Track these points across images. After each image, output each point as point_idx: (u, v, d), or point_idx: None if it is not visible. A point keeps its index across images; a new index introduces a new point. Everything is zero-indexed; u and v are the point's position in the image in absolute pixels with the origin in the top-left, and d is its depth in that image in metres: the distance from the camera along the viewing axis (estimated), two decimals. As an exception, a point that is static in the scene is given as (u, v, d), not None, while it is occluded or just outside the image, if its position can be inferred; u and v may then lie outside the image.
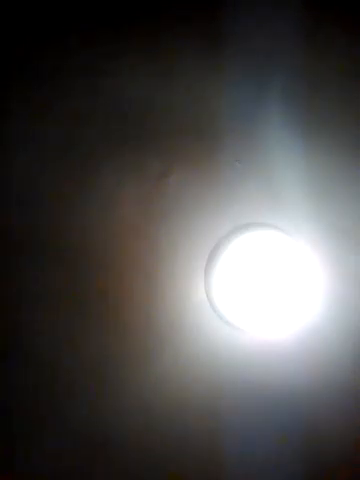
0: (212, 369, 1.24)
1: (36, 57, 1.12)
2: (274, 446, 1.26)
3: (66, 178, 1.16)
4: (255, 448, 1.26)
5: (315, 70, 1.17)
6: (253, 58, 1.16)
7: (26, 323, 1.18)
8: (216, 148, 1.18)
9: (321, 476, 1.28)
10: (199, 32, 1.13)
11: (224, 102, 1.17)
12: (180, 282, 1.21)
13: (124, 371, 1.21)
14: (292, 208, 1.22)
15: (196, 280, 1.22)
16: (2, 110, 1.13)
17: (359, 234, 1.22)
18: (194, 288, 1.22)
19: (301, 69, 1.16)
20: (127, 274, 1.19)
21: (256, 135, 1.18)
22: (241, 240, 1.20)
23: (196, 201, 1.19)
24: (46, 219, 1.17)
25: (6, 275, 1.17)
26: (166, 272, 1.20)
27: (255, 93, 1.17)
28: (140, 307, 1.20)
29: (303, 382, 1.26)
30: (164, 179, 1.18)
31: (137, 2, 1.12)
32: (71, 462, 1.22)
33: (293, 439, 1.27)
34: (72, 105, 1.14)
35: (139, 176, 1.17)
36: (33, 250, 1.17)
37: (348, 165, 1.20)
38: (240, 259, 1.19)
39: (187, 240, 1.20)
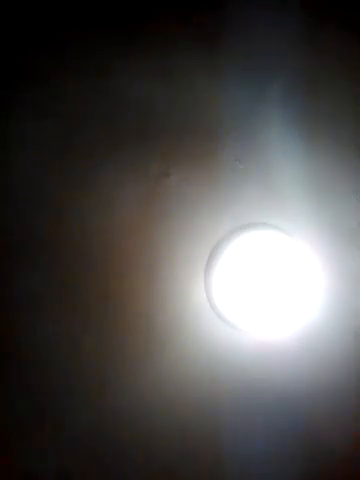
0: (212, 369, 1.24)
1: (36, 57, 1.12)
2: (274, 446, 1.26)
3: (66, 178, 1.16)
4: (255, 448, 1.26)
5: (315, 70, 1.17)
6: (253, 58, 1.16)
7: (26, 323, 1.18)
8: (216, 148, 1.18)
9: (321, 476, 1.28)
10: (199, 32, 1.13)
11: (224, 102, 1.17)
12: (180, 282, 1.21)
13: (124, 371, 1.21)
14: (292, 208, 1.22)
15: (196, 280, 1.22)
16: (2, 110, 1.13)
17: (359, 234, 1.23)
18: (194, 288, 1.22)
19: (301, 69, 1.17)
20: (127, 274, 1.19)
21: (256, 135, 1.18)
22: (241, 240, 1.20)
23: (196, 201, 1.19)
24: (46, 219, 1.17)
25: (6, 275, 1.17)
26: (166, 272, 1.20)
27: (255, 93, 1.17)
28: (140, 307, 1.20)
29: (303, 381, 1.26)
30: (164, 179, 1.18)
31: (137, 2, 1.12)
32: (71, 462, 1.22)
33: (293, 439, 1.27)
34: (72, 105, 1.14)
35: (139, 176, 1.17)
36: (33, 250, 1.17)
37: (348, 165, 1.20)
38: (240, 259, 1.19)
39: (187, 240, 1.20)
